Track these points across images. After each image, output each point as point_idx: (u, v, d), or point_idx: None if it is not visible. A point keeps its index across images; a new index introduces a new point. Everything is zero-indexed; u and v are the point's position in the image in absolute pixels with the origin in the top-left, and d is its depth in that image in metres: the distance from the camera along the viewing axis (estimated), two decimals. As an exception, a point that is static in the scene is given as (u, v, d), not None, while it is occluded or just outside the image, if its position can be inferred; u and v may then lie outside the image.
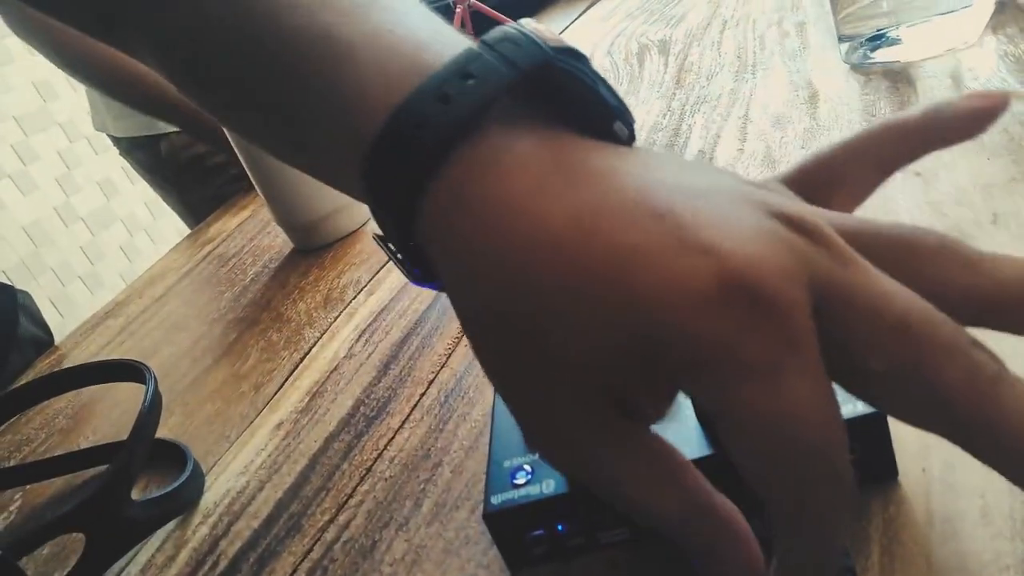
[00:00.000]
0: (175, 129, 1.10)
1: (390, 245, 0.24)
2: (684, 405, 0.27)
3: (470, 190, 0.21)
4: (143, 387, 0.42)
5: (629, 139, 0.23)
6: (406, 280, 0.55)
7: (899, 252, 0.19)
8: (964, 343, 0.17)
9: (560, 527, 0.26)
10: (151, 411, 0.36)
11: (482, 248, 0.20)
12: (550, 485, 0.26)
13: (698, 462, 0.24)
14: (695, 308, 0.18)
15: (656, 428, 0.26)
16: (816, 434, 0.17)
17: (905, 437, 0.26)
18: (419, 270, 0.24)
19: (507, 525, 0.26)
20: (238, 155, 0.67)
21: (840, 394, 0.24)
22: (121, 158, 1.23)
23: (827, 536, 0.19)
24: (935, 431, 0.18)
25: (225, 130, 0.65)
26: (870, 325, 0.18)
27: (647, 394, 0.20)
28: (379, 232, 0.24)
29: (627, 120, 0.22)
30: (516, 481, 0.27)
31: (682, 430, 0.26)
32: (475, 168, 0.21)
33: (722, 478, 0.24)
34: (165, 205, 1.27)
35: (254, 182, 0.68)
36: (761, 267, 0.18)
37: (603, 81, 0.22)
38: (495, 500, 0.27)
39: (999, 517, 0.22)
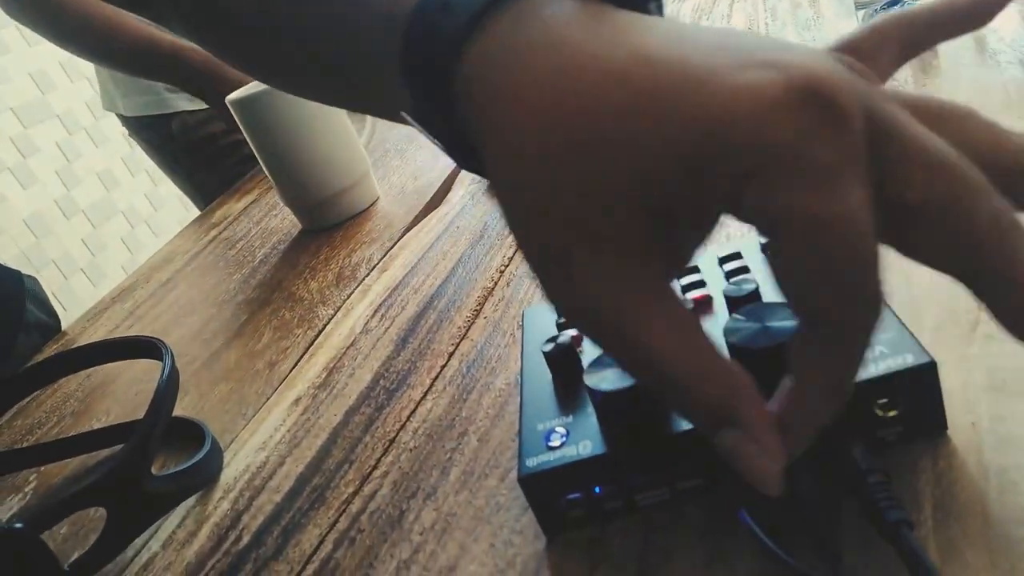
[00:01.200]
0: (186, 108, 1.09)
1: (430, 131, 0.24)
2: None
3: (515, 38, 0.21)
4: (155, 366, 0.42)
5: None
6: (419, 256, 0.54)
7: (930, 114, 0.20)
8: (990, 190, 0.18)
9: (597, 489, 0.26)
10: (169, 384, 0.35)
11: (532, 83, 0.20)
12: (587, 446, 0.25)
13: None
14: (763, 112, 0.18)
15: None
16: (862, 242, 0.18)
17: (952, 391, 0.25)
18: (459, 149, 0.24)
19: (542, 488, 0.26)
20: (244, 133, 0.66)
21: (890, 346, 0.24)
22: (121, 149, 1.23)
23: (853, 353, 0.19)
24: (952, 271, 0.19)
25: (230, 106, 0.64)
26: (911, 159, 0.18)
27: (694, 209, 0.20)
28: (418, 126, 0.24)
29: (660, 1, 0.23)
30: (551, 443, 0.26)
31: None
32: (520, 17, 0.21)
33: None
34: (165, 197, 1.26)
35: (260, 160, 0.67)
36: (831, 78, 0.18)
37: None
38: (530, 463, 0.26)
39: (1056, 468, 0.22)
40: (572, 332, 0.31)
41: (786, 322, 0.24)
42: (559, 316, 0.33)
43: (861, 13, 0.58)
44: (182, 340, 0.59)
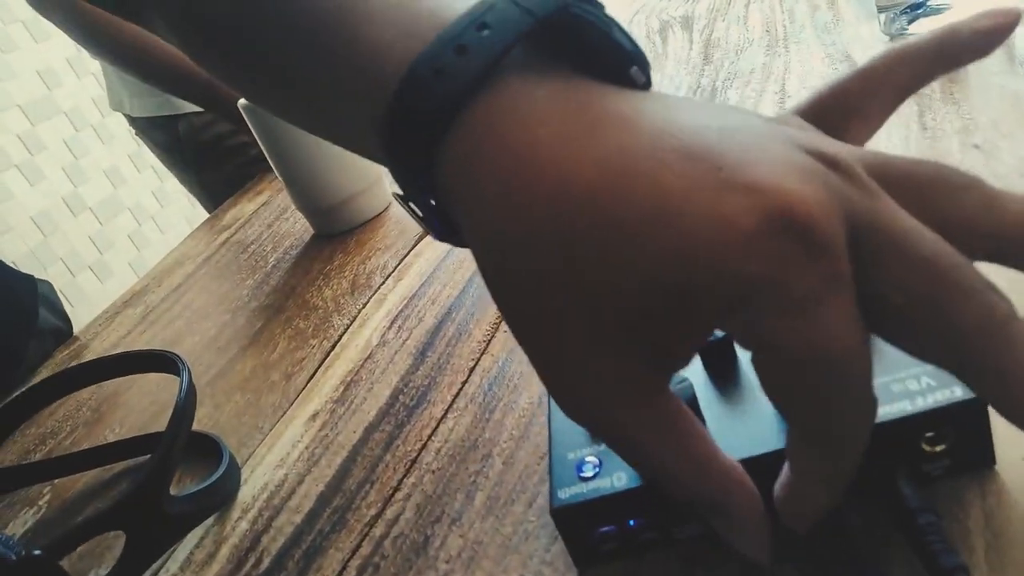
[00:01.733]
0: (194, 109, 1.08)
1: (411, 204, 0.24)
2: (756, 391, 0.25)
3: (490, 140, 0.20)
4: (168, 376, 0.41)
5: (645, 85, 0.23)
6: (435, 265, 0.54)
7: (922, 188, 0.19)
8: (981, 285, 0.18)
9: (631, 522, 0.25)
10: (187, 402, 0.35)
11: (505, 198, 0.20)
12: (621, 479, 0.25)
13: (778, 453, 0.23)
14: (741, 247, 0.18)
15: (728, 409, 0.25)
16: (850, 363, 0.18)
17: (1000, 424, 0.24)
18: (440, 224, 0.24)
19: (576, 521, 0.25)
20: (256, 137, 0.65)
21: (937, 378, 0.23)
22: (127, 146, 1.22)
23: (848, 455, 0.20)
24: (944, 366, 0.19)
25: (242, 110, 0.64)
26: (897, 260, 0.18)
27: (681, 339, 0.20)
28: (400, 192, 0.24)
29: (643, 65, 0.22)
30: (583, 474, 0.25)
31: (762, 420, 0.24)
32: (494, 117, 0.21)
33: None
34: (172, 194, 1.26)
35: (272, 164, 0.66)
36: (805, 203, 0.18)
37: (618, 26, 0.22)
38: (562, 494, 0.25)
39: (1113, 509, 0.21)
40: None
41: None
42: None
43: (883, 16, 0.56)
44: (196, 347, 0.58)
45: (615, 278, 0.19)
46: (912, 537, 0.21)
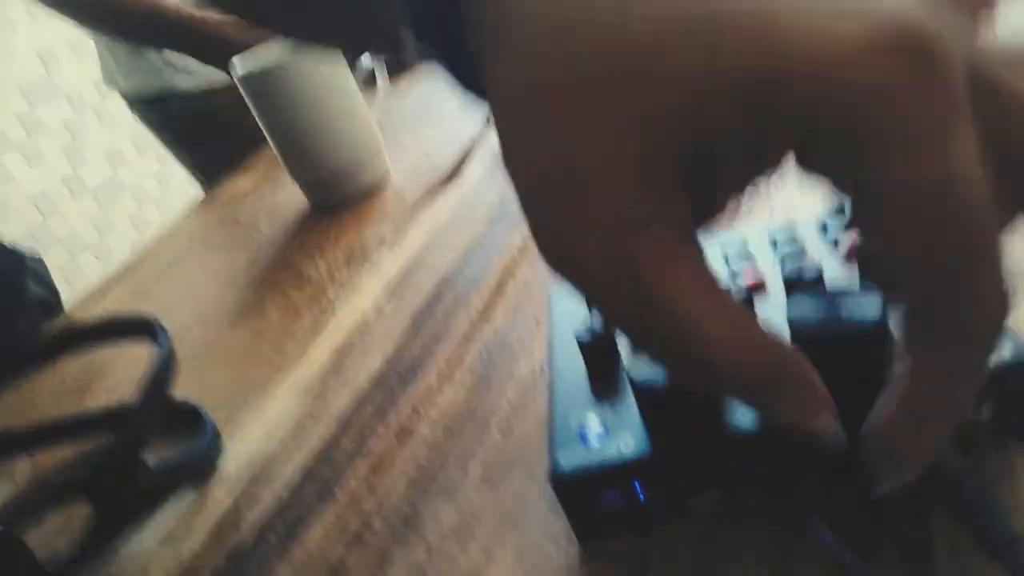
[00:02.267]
0: (187, 87, 1.06)
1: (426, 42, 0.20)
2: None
3: None
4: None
5: None
6: (434, 235, 0.51)
7: None
8: None
9: (640, 493, 0.23)
10: (163, 367, 0.32)
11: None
12: (628, 444, 0.22)
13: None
14: (849, 55, 0.15)
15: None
16: (979, 204, 0.15)
17: (1049, 387, 0.22)
18: (464, 75, 0.20)
19: (578, 490, 0.23)
20: (250, 106, 0.63)
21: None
22: (129, 128, 1.20)
23: (979, 342, 0.16)
24: None
25: (237, 81, 0.61)
26: (1017, 112, 0.16)
27: (744, 153, 0.17)
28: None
29: None
30: (587, 439, 0.23)
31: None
32: None
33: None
34: (173, 176, 1.23)
35: (267, 135, 0.64)
36: (929, 24, 0.15)
37: None
38: (563, 461, 0.23)
39: None
40: (608, 316, 0.28)
41: (859, 309, 0.21)
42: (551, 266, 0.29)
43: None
44: (186, 321, 0.56)
45: (688, 60, 0.16)
46: (958, 509, 0.19)
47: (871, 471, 0.17)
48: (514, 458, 0.28)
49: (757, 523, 0.22)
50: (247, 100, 0.62)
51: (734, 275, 0.27)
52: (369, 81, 0.82)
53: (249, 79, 0.60)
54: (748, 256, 0.28)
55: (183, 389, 0.45)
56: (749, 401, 0.18)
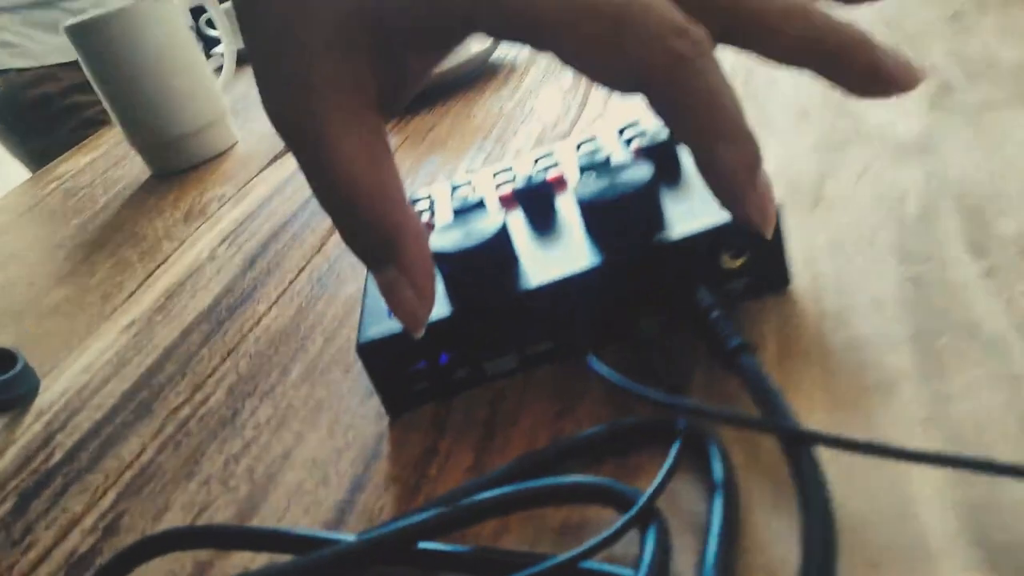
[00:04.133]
0: (15, 65, 0.99)
1: None
2: (574, 227, 0.25)
3: None
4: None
5: None
6: (276, 189, 0.51)
7: None
8: None
9: (443, 357, 0.24)
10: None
11: None
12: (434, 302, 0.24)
13: (588, 273, 0.23)
14: None
15: (542, 244, 0.25)
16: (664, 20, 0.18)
17: (797, 251, 0.25)
18: None
19: (384, 358, 0.24)
20: (81, 62, 0.60)
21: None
22: None
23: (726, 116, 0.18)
24: (722, 36, 0.19)
25: (67, 33, 0.59)
26: None
27: (421, 44, 0.21)
28: None
29: None
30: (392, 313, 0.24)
31: (570, 244, 0.24)
32: None
33: (610, 286, 0.23)
34: (3, 167, 1.14)
35: (101, 94, 0.61)
36: None
37: None
38: (370, 332, 0.24)
39: (890, 303, 0.22)
40: (426, 215, 0.29)
41: (635, 176, 0.24)
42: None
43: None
44: (6, 286, 0.53)
45: None
46: (704, 333, 0.21)
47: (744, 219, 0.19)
48: (334, 359, 0.29)
49: (547, 379, 0.24)
50: (77, 53, 0.59)
51: (541, 172, 0.29)
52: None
53: (77, 29, 0.58)
54: (555, 163, 0.30)
55: (1, 341, 0.43)
56: (369, 262, 0.21)
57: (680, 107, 0.18)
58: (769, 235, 0.19)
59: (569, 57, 0.19)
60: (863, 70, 0.19)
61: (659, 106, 0.19)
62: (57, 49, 1.00)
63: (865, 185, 0.27)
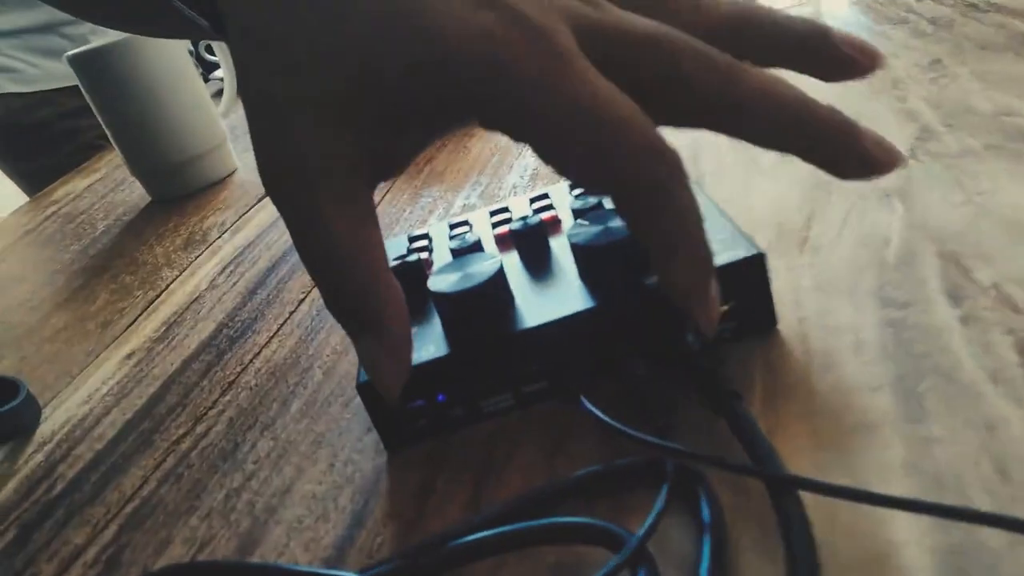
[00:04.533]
0: (13, 90, 0.99)
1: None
2: (568, 269, 0.26)
3: None
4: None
5: None
6: (276, 216, 0.52)
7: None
8: (697, 45, 0.20)
9: (440, 396, 0.25)
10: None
11: None
12: (429, 351, 0.24)
13: (581, 315, 0.23)
14: (476, 36, 0.19)
15: (537, 285, 0.25)
16: (598, 108, 0.19)
17: (783, 293, 0.26)
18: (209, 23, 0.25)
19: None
20: (83, 90, 0.61)
21: (721, 244, 0.24)
22: None
23: (675, 205, 0.20)
24: (704, 124, 0.21)
25: (68, 62, 0.59)
26: (626, 46, 0.20)
27: (413, 125, 0.22)
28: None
29: None
30: (392, 351, 0.25)
31: (564, 286, 0.25)
32: None
33: (603, 329, 0.24)
34: (3, 191, 1.14)
35: (103, 122, 0.62)
36: (528, 8, 0.20)
37: None
38: (369, 370, 0.25)
39: (872, 347, 0.23)
40: (424, 254, 0.30)
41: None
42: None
43: None
44: (5, 310, 0.53)
45: (369, 59, 0.20)
46: (694, 378, 0.22)
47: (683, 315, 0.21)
48: (333, 393, 0.30)
49: (542, 417, 0.24)
50: (79, 80, 0.60)
51: (534, 212, 0.30)
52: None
53: (79, 59, 0.59)
54: (550, 205, 0.31)
55: (2, 368, 0.43)
56: (351, 329, 0.22)
57: (646, 223, 0.20)
58: (711, 336, 0.21)
59: (547, 158, 0.20)
60: (846, 157, 0.20)
61: (625, 215, 0.20)
62: (55, 74, 1.01)
63: (849, 228, 0.28)
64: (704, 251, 0.20)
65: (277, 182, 0.21)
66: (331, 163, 0.21)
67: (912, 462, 0.19)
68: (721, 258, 0.24)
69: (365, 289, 0.21)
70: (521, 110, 0.19)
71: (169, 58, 0.60)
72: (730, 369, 0.23)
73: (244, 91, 0.22)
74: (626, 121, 0.19)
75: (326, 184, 0.21)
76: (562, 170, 0.20)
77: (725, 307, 0.24)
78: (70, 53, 0.59)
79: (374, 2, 0.20)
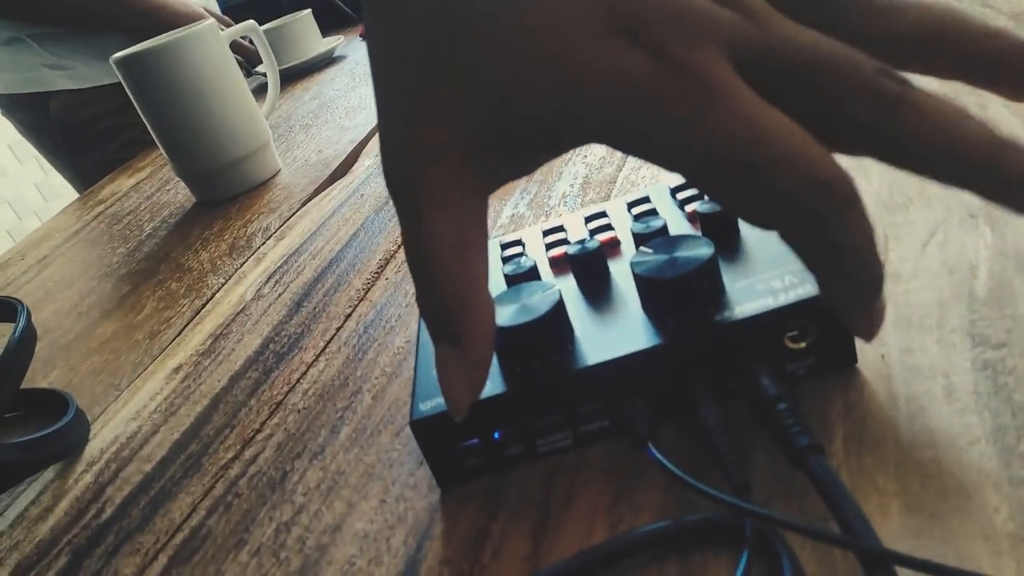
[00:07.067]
0: (67, 87, 1.01)
1: None
2: (629, 299, 0.24)
3: None
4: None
5: None
6: (320, 223, 0.51)
7: (816, 6, 0.20)
8: (865, 71, 0.18)
9: (496, 435, 0.24)
10: (20, 344, 0.31)
11: None
12: (486, 387, 0.23)
13: (646, 353, 0.22)
14: (626, 77, 0.18)
15: (598, 316, 0.24)
16: (772, 143, 0.18)
17: (861, 325, 0.24)
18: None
19: (437, 433, 0.23)
20: (130, 95, 0.61)
21: (800, 275, 0.23)
22: (8, 135, 1.13)
23: (856, 229, 0.18)
24: (865, 154, 0.19)
25: (115, 65, 0.60)
26: (784, 73, 0.19)
27: (536, 148, 0.21)
28: None
29: None
30: (446, 386, 0.24)
31: (626, 319, 0.24)
32: None
33: (669, 367, 0.22)
34: (58, 187, 1.17)
35: (149, 125, 0.62)
36: (676, 41, 0.18)
37: None
38: (423, 407, 0.24)
39: (964, 393, 0.21)
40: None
41: (695, 251, 0.23)
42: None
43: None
44: (55, 315, 0.54)
45: (508, 78, 0.19)
46: (770, 425, 0.20)
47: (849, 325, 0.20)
48: (383, 420, 0.29)
49: (602, 459, 0.23)
50: (125, 86, 0.60)
51: (591, 233, 0.29)
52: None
53: (126, 62, 0.59)
54: (608, 225, 0.30)
55: (47, 377, 0.43)
56: (432, 333, 0.21)
57: (812, 258, 0.19)
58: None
59: (705, 193, 0.20)
60: None
61: (791, 246, 0.19)
62: (107, 70, 1.03)
63: (932, 253, 0.27)
64: (870, 277, 0.19)
65: (394, 175, 0.21)
66: (448, 168, 0.20)
67: (1021, 534, 0.17)
68: (796, 292, 0.22)
69: (457, 300, 0.21)
70: (676, 149, 0.19)
71: (213, 59, 0.60)
72: (808, 413, 0.22)
73: (376, 66, 0.22)
74: (787, 155, 0.18)
75: (439, 186, 0.20)
76: (721, 205, 0.20)
77: (803, 343, 0.23)
78: (115, 56, 0.59)
79: (514, 18, 0.20)
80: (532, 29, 0.19)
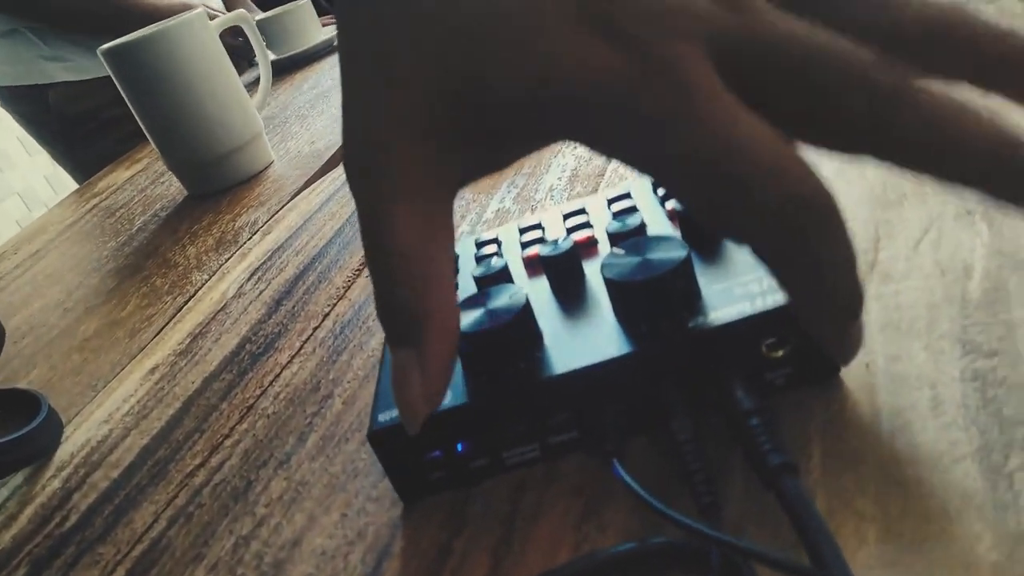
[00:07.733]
0: (65, 79, 1.00)
1: None
2: (603, 303, 0.23)
3: None
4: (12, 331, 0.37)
5: None
6: (306, 218, 0.50)
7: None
8: (863, 62, 0.17)
9: (459, 446, 0.22)
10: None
11: None
12: (447, 397, 0.22)
13: (617, 361, 0.21)
14: (597, 71, 0.17)
15: (569, 321, 0.23)
16: (747, 153, 0.16)
17: (846, 331, 0.23)
18: None
19: (396, 446, 0.22)
20: (119, 86, 0.60)
21: (771, 283, 0.21)
22: (16, 127, 1.12)
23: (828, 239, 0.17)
24: (861, 152, 0.17)
25: (102, 56, 0.59)
26: (769, 69, 0.17)
27: (506, 140, 0.20)
28: None
29: None
30: (407, 396, 0.23)
31: (598, 324, 0.22)
32: None
33: (641, 376, 0.21)
34: (64, 179, 1.17)
35: (138, 117, 0.61)
36: (651, 35, 0.17)
37: None
38: (382, 417, 0.23)
39: (951, 406, 0.19)
40: (445, 279, 0.28)
41: (669, 253, 0.22)
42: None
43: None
44: (41, 311, 0.53)
45: (474, 69, 0.18)
46: (742, 441, 0.19)
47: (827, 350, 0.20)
48: (351, 427, 0.28)
49: (570, 473, 0.22)
50: (113, 77, 0.59)
51: (568, 232, 0.28)
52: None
53: (112, 53, 0.58)
54: (586, 222, 0.28)
55: (27, 377, 0.43)
56: (390, 337, 0.20)
57: (784, 276, 0.17)
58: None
59: (674, 197, 0.18)
60: None
61: (763, 262, 0.17)
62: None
63: (924, 253, 0.25)
64: (847, 300, 0.17)
65: (353, 166, 0.20)
66: (413, 157, 0.19)
67: (1003, 564, 0.16)
68: (775, 297, 0.21)
69: (418, 301, 0.19)
70: (647, 151, 0.17)
71: (203, 50, 0.59)
72: (785, 428, 0.20)
73: (342, 48, 0.21)
74: (763, 167, 0.16)
75: (403, 176, 0.19)
76: (692, 215, 0.18)
77: (781, 352, 0.21)
78: (103, 47, 0.58)
79: (484, 5, 0.18)
80: (504, 16, 0.18)
